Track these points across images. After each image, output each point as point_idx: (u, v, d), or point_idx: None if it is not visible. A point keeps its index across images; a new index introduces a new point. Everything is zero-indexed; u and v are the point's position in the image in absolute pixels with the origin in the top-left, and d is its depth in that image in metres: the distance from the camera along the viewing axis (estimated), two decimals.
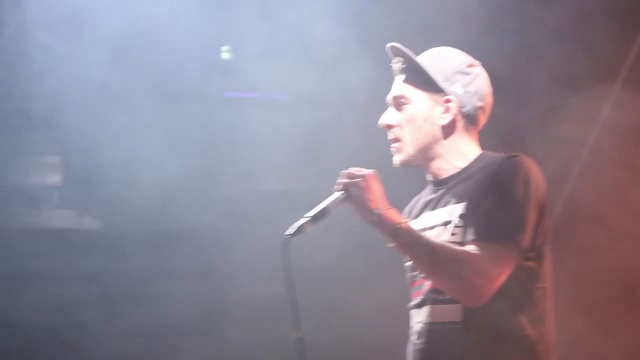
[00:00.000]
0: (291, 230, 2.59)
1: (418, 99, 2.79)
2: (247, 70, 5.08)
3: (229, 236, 5.33)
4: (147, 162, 4.97)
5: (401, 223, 2.59)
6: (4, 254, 5.16)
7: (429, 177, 2.85)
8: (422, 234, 2.63)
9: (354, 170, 2.66)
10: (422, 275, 2.72)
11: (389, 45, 2.84)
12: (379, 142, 4.81)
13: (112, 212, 5.25)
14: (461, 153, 2.79)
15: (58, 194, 5.42)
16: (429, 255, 2.58)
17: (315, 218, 2.60)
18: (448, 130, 2.78)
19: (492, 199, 2.64)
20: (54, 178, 5.40)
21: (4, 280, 5.17)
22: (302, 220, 2.61)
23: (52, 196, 5.42)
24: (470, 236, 2.63)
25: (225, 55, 5.27)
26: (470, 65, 2.82)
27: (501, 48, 4.64)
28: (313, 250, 4.68)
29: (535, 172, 2.67)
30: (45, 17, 4.59)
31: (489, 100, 2.83)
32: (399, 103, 2.81)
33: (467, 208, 2.66)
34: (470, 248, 2.60)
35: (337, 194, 2.63)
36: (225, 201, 5.24)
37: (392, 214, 2.60)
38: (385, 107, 2.85)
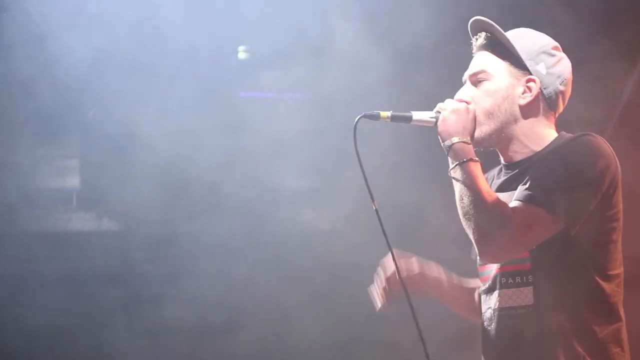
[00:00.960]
0: (368, 112, 2.68)
1: (499, 75, 2.71)
2: (262, 70, 5.07)
3: (247, 236, 5.32)
4: (165, 164, 4.97)
5: (470, 159, 2.60)
6: (22, 257, 5.17)
7: (502, 160, 2.78)
8: (482, 179, 2.59)
9: (456, 97, 2.71)
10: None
11: (473, 18, 2.77)
12: (397, 139, 4.83)
13: (130, 214, 5.25)
14: (538, 136, 2.71)
15: (76, 197, 5.43)
16: (470, 197, 2.55)
17: (395, 117, 2.70)
18: (527, 111, 2.70)
19: (549, 169, 2.59)
20: (72, 181, 5.41)
21: (23, 283, 5.18)
22: (383, 111, 2.68)
23: (71, 199, 5.43)
24: (515, 197, 2.60)
25: (241, 55, 5.26)
26: (556, 48, 2.75)
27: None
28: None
29: (605, 153, 2.59)
30: (65, 19, 4.59)
31: (570, 87, 2.75)
32: (477, 79, 2.74)
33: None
34: (509, 205, 2.57)
35: (429, 113, 2.71)
36: (242, 201, 5.23)
37: (466, 147, 2.62)
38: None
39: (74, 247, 5.32)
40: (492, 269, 2.71)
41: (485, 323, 2.73)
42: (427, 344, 2.62)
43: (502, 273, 2.68)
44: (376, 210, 2.68)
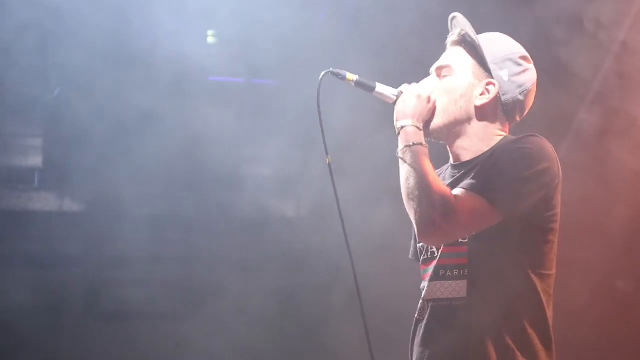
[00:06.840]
0: (336, 69, 2.75)
1: (463, 73, 2.78)
2: (232, 55, 5.05)
3: (212, 221, 5.31)
4: (129, 146, 4.94)
5: (420, 143, 2.67)
6: None
7: (451, 159, 2.84)
8: (429, 163, 2.64)
9: (421, 85, 2.77)
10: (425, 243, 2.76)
11: (452, 15, 2.83)
12: (367, 127, 4.83)
13: (93, 195, 5.22)
14: (488, 138, 2.77)
15: (38, 176, 5.38)
16: (416, 179, 2.60)
17: (360, 82, 2.78)
18: (482, 112, 2.76)
19: (492, 164, 2.65)
20: (34, 160, 5.36)
21: None
22: (350, 73, 2.75)
23: (32, 178, 5.38)
24: (459, 186, 2.65)
25: (210, 39, 5.24)
26: (524, 58, 2.79)
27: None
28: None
29: (548, 154, 2.65)
30: (29, 10, 4.56)
31: (530, 100, 2.81)
32: (442, 73, 2.80)
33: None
34: (453, 192, 2.62)
35: (392, 90, 2.78)
36: (208, 185, 5.22)
37: (416, 132, 2.69)
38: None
39: (35, 227, 5.27)
40: (433, 265, 2.76)
41: (417, 315, 2.78)
42: None
43: (440, 265, 2.73)
44: (329, 164, 2.76)
